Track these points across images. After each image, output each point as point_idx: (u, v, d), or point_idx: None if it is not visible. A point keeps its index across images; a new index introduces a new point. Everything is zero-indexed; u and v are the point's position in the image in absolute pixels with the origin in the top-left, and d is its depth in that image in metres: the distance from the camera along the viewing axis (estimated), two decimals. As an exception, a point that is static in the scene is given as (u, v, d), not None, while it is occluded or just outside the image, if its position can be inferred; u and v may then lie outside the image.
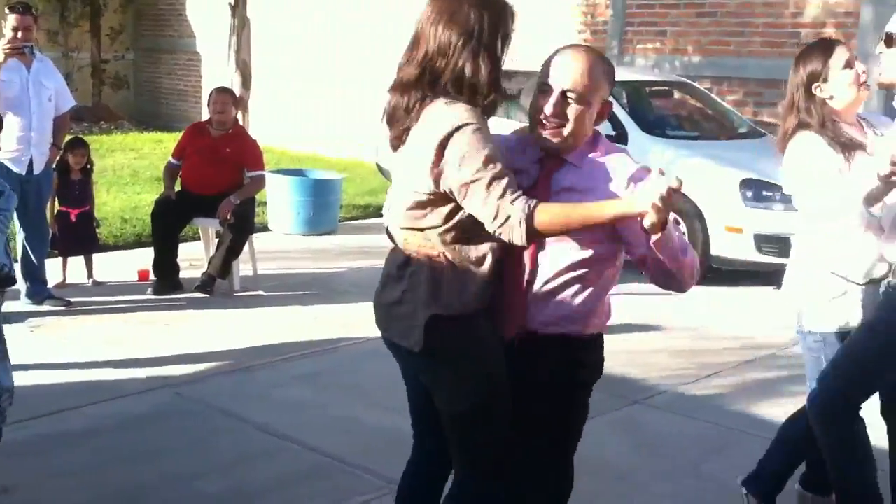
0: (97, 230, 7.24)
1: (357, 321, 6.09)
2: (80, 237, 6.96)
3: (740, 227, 7.53)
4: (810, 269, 3.49)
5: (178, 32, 17.89)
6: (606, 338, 2.88)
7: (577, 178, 2.67)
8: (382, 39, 12.56)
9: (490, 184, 2.51)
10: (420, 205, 2.65)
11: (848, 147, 3.32)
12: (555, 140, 2.66)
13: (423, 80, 2.62)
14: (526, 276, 2.71)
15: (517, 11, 2.68)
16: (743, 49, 10.63)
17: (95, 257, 7.16)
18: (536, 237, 2.53)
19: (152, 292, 6.85)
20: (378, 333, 2.87)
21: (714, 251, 7.65)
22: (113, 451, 4.34)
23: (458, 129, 2.54)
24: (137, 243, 8.30)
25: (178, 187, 7.16)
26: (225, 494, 4.00)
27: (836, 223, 3.32)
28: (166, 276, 6.96)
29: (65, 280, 6.93)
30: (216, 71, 13.29)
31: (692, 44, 11.05)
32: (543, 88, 2.67)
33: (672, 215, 2.49)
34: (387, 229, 2.81)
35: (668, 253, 2.54)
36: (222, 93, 7.35)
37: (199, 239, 7.67)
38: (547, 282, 2.70)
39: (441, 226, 2.64)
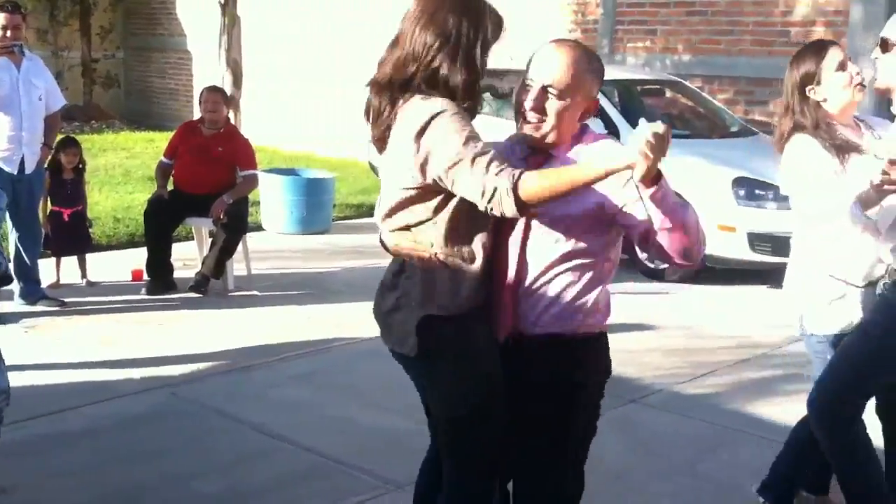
0: (90, 230, 7.22)
1: (350, 321, 6.12)
2: (74, 237, 6.94)
3: (733, 225, 7.53)
4: (809, 272, 3.50)
5: (169, 31, 17.84)
6: (602, 337, 2.86)
7: None
8: (374, 38, 12.46)
9: (473, 160, 2.48)
10: (409, 200, 2.64)
11: (843, 149, 3.32)
12: (536, 134, 2.65)
13: (396, 81, 2.63)
14: (514, 275, 2.68)
15: (503, 18, 2.65)
16: (733, 47, 10.65)
17: (89, 257, 7.14)
18: (527, 207, 2.46)
19: (146, 292, 6.85)
20: (372, 334, 2.87)
21: (707, 250, 7.61)
22: (111, 452, 4.34)
23: (434, 116, 2.53)
24: (130, 243, 8.28)
25: (170, 187, 7.14)
26: (223, 494, 4.00)
27: (831, 225, 3.32)
28: (160, 276, 6.94)
29: (58, 280, 6.91)
30: (207, 70, 13.27)
31: (682, 42, 11.06)
32: (526, 83, 2.66)
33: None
34: (380, 238, 2.80)
35: (667, 208, 2.43)
36: (213, 92, 7.33)
37: (192, 238, 7.65)
38: (536, 279, 2.67)
39: (431, 219, 2.63)
